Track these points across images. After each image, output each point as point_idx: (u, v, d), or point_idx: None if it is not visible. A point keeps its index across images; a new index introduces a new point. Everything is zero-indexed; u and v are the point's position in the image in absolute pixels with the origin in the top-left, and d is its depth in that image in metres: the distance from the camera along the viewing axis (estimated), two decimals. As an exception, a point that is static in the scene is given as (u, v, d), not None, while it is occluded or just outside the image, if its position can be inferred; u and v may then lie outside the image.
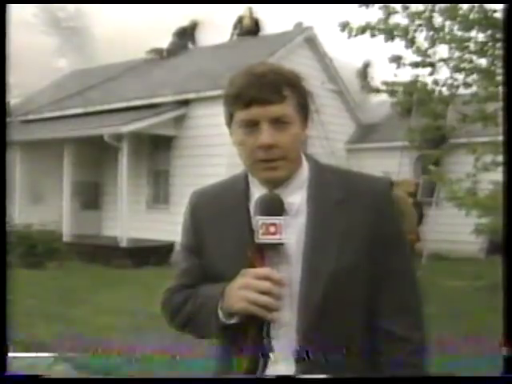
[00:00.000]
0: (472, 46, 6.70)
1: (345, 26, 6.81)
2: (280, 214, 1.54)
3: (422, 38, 6.85)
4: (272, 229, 1.51)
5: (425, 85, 7.20)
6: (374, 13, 6.84)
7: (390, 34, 6.73)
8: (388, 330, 1.62)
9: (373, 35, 6.82)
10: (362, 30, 6.80)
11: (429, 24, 6.71)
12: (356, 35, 6.86)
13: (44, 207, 15.19)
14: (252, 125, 1.56)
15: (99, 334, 6.75)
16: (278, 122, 1.56)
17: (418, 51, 6.89)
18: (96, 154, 16.24)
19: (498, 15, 6.36)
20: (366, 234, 1.60)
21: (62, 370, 5.48)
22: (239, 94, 1.56)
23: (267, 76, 1.55)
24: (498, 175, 7.26)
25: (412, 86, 7.35)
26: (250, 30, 18.14)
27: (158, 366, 5.56)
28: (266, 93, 1.53)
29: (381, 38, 6.94)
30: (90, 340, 6.51)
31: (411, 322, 1.64)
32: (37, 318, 7.21)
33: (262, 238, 1.52)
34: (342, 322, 1.59)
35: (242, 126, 1.59)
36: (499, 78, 6.70)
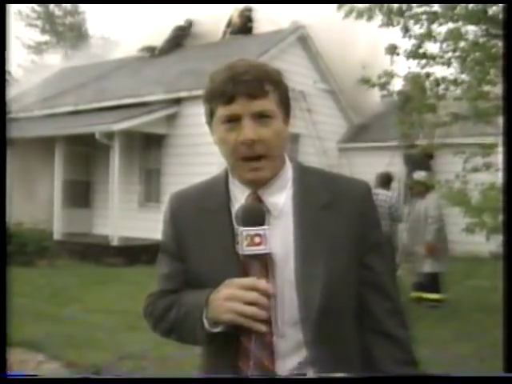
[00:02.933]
0: (465, 41, 6.69)
1: (341, 5, 6.76)
2: (262, 223, 1.53)
3: (416, 28, 6.84)
4: (257, 239, 1.50)
5: (417, 77, 7.19)
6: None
7: (387, 15, 6.69)
8: (378, 329, 1.65)
9: (370, 18, 6.76)
10: (359, 12, 6.75)
11: (425, 14, 6.69)
12: (356, 17, 6.79)
13: (35, 205, 15.13)
14: (234, 120, 1.55)
15: (90, 333, 6.73)
16: (261, 117, 1.54)
17: (414, 39, 6.86)
18: (87, 152, 16.21)
19: (496, 10, 6.36)
20: (353, 238, 1.61)
21: (51, 369, 5.48)
22: (221, 89, 1.55)
23: (249, 71, 1.55)
24: (486, 176, 7.29)
25: (405, 78, 7.35)
26: (241, 28, 18.13)
27: (149, 364, 5.55)
28: (249, 87, 1.53)
29: (376, 30, 6.94)
30: (80, 338, 6.49)
31: (398, 321, 1.67)
32: (27, 317, 7.17)
33: (247, 250, 1.50)
34: (340, 322, 1.60)
35: (223, 122, 1.57)
36: (491, 77, 6.71)
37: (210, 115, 1.63)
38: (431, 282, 8.49)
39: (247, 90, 1.53)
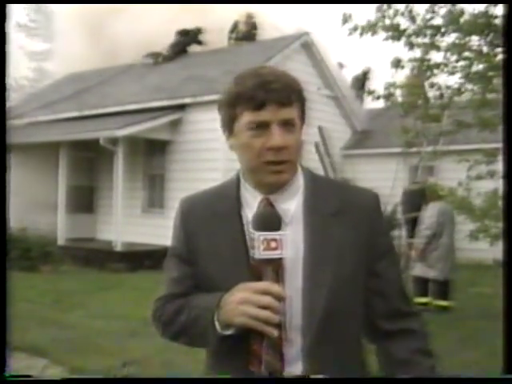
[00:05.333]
0: (469, 51, 6.70)
1: (347, 19, 6.77)
2: (279, 229, 1.54)
3: (420, 39, 6.84)
4: (273, 244, 1.51)
5: (421, 87, 7.20)
6: (375, 11, 6.83)
7: (391, 31, 6.71)
8: (393, 329, 1.69)
9: (374, 33, 6.79)
10: (364, 29, 6.76)
11: (428, 26, 6.71)
12: (361, 33, 6.82)
13: (38, 211, 15.15)
14: (262, 127, 1.56)
15: (93, 338, 6.74)
16: (287, 125, 1.57)
17: (418, 49, 6.87)
18: (91, 158, 16.24)
19: (499, 21, 6.36)
20: (361, 246, 1.63)
21: (55, 374, 5.49)
22: (251, 95, 1.56)
23: (278, 80, 1.57)
24: (490, 183, 7.30)
25: (409, 88, 7.37)
26: (245, 35, 18.17)
27: (152, 370, 5.55)
28: (279, 95, 1.55)
29: (380, 42, 6.96)
30: (83, 344, 6.50)
31: (414, 320, 1.72)
32: (31, 322, 7.19)
33: (263, 254, 1.51)
34: (344, 330, 1.62)
35: (250, 128, 1.57)
36: (495, 85, 6.72)
37: (232, 120, 1.62)
38: (441, 289, 8.55)
39: (277, 97, 1.55)
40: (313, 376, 1.56)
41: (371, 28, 6.75)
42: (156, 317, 1.77)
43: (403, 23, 6.80)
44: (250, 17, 18.48)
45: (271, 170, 1.58)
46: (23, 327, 6.57)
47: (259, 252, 1.52)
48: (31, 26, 35.00)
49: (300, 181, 1.69)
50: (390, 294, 1.69)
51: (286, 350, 1.56)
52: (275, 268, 1.54)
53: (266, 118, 1.55)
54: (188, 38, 18.81)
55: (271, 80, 1.56)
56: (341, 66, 20.57)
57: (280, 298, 1.50)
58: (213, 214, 1.69)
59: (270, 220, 1.56)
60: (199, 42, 18.88)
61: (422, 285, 8.65)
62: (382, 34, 6.84)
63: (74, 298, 9.46)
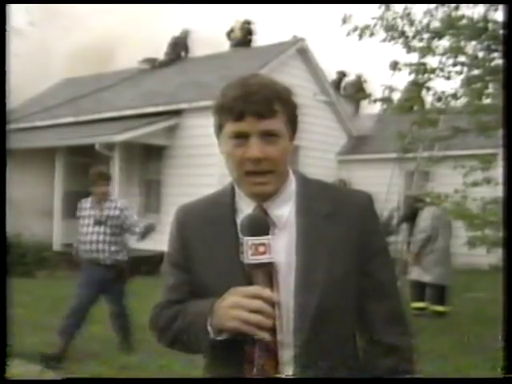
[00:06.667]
0: (465, 55, 6.72)
1: (346, 19, 6.79)
2: (267, 233, 1.55)
3: (417, 42, 6.87)
4: (261, 248, 1.52)
5: (418, 91, 7.22)
6: (374, 12, 6.87)
7: (391, 31, 6.74)
8: (377, 340, 1.66)
9: (372, 34, 6.82)
10: (363, 30, 6.79)
11: (426, 30, 6.73)
12: (360, 34, 6.84)
13: (34, 216, 15.12)
14: (242, 137, 1.58)
15: (90, 344, 6.72)
16: (268, 136, 1.58)
17: (414, 53, 6.90)
18: (87, 163, 16.19)
19: (496, 26, 6.39)
20: (354, 247, 1.64)
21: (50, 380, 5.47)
22: (232, 106, 1.58)
23: (260, 91, 1.57)
24: (486, 190, 7.30)
25: (406, 92, 7.39)
26: (240, 41, 18.22)
27: (148, 375, 5.55)
28: (259, 107, 1.56)
29: (377, 47, 7.02)
30: (79, 349, 6.48)
31: (399, 329, 1.69)
32: (26, 328, 7.16)
33: (251, 259, 1.52)
34: (336, 331, 1.62)
35: (231, 138, 1.60)
36: (490, 90, 6.74)
37: (219, 128, 1.66)
38: (437, 294, 8.56)
39: (257, 109, 1.56)
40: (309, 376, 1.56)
41: (369, 29, 6.78)
42: (152, 324, 1.78)
43: (401, 26, 6.83)
44: (245, 23, 18.54)
45: (253, 182, 1.60)
46: (19, 333, 6.55)
47: (247, 257, 1.53)
48: (25, 30, 34.95)
49: (292, 186, 1.70)
50: (380, 294, 1.68)
51: (281, 353, 1.57)
52: (267, 272, 1.55)
53: (246, 129, 1.57)
54: (179, 43, 18.86)
55: (253, 91, 1.57)
56: (343, 74, 20.69)
57: (271, 302, 1.50)
58: (208, 222, 1.71)
59: (258, 224, 1.57)
60: (186, 49, 18.98)
61: (419, 289, 8.66)
62: (381, 36, 6.88)
63: (69, 304, 9.41)
